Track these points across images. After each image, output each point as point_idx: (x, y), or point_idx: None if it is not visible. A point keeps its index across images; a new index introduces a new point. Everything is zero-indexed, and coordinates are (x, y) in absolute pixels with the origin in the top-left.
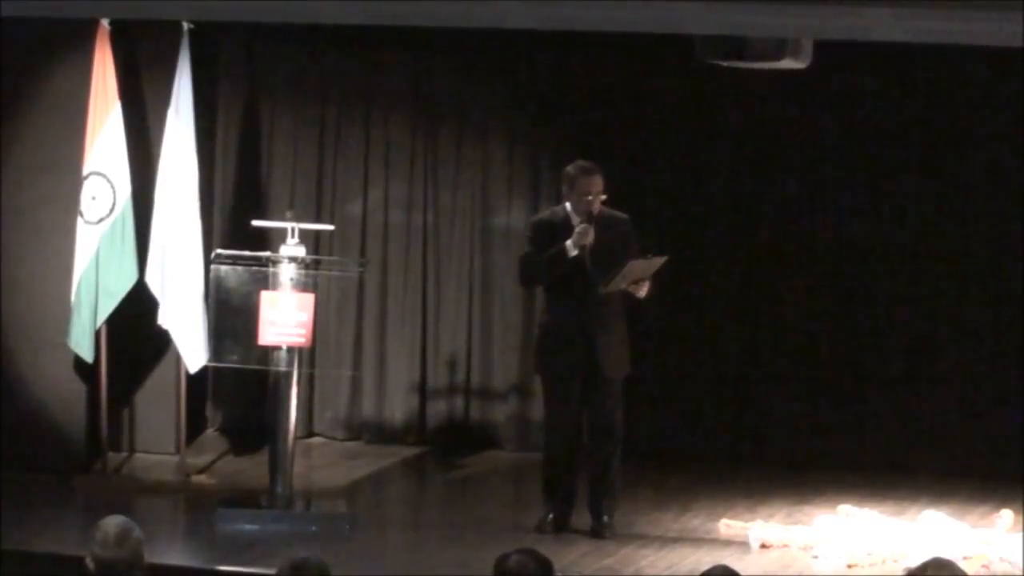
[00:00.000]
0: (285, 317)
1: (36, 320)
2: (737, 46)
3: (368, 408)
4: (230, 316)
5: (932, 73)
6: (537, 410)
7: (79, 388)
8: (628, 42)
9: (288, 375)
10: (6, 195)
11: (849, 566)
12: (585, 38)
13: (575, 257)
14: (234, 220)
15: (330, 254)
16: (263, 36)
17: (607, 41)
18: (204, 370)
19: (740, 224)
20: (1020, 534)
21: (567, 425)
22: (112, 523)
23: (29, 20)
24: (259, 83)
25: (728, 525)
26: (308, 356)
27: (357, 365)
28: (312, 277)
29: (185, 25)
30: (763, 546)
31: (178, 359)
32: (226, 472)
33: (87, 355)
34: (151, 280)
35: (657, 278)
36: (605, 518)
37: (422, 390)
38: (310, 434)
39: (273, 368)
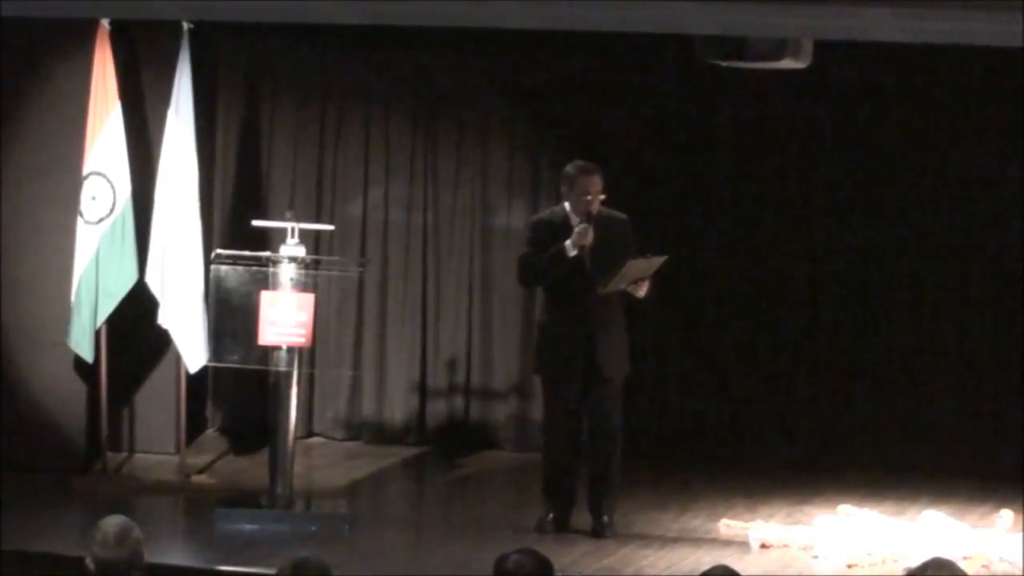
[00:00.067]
0: (285, 317)
1: (36, 320)
2: (737, 46)
3: (368, 408)
4: (230, 316)
5: (932, 73)
6: (537, 410)
7: (79, 388)
8: (628, 42)
9: (288, 375)
10: (6, 195)
11: (849, 566)
12: (585, 38)
13: (574, 257)
14: (234, 220)
15: (330, 254)
16: (263, 36)
17: (607, 41)
18: (204, 370)
19: (740, 224)
20: (1020, 534)
21: (567, 425)
22: (112, 523)
23: (29, 20)
24: (259, 83)
25: (728, 525)
26: (308, 356)
27: (357, 365)
28: (312, 277)
29: (185, 25)
30: (763, 546)
31: (178, 359)
32: (226, 472)
33: (87, 355)
34: (151, 280)
35: (657, 278)
36: (605, 518)
37: (422, 390)
38: (310, 434)
39: (273, 368)
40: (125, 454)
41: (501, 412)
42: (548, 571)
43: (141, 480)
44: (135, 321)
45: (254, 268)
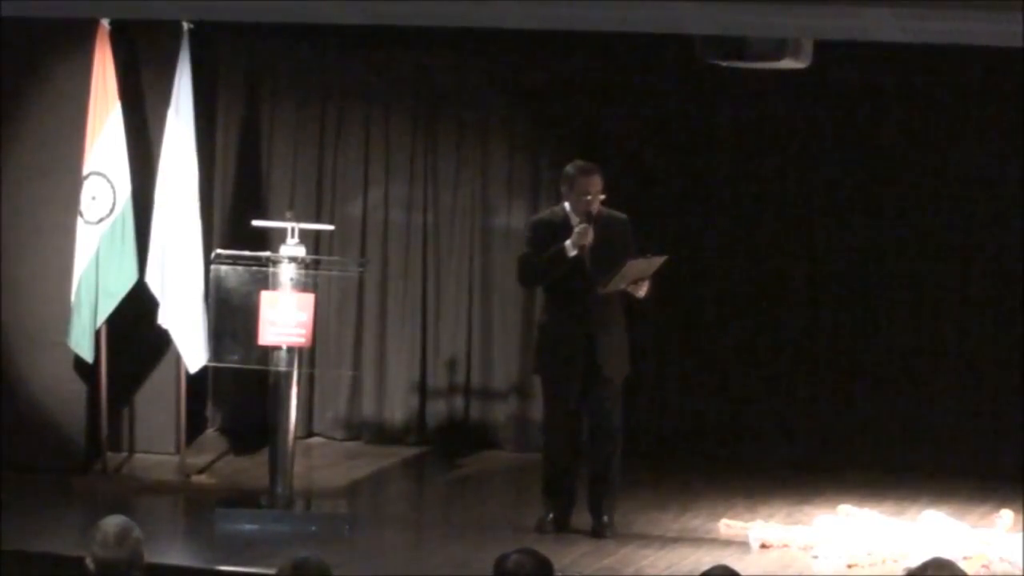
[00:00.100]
0: (285, 317)
1: (36, 320)
2: (737, 46)
3: (368, 408)
4: (230, 316)
5: (932, 73)
6: (537, 410)
7: (79, 388)
8: (628, 42)
9: (288, 375)
10: (6, 195)
11: (849, 566)
12: (585, 38)
13: (574, 257)
14: (234, 220)
15: (330, 254)
16: (263, 36)
17: (607, 41)
18: (204, 370)
19: (740, 224)
20: (1020, 534)
21: (567, 425)
22: (112, 523)
23: (29, 20)
24: (259, 83)
25: (728, 525)
26: (308, 356)
27: (357, 365)
28: (312, 277)
29: (185, 25)
30: (763, 546)
31: (178, 359)
32: (226, 472)
33: (87, 355)
34: (151, 280)
35: (657, 278)
36: (605, 518)
37: (422, 390)
38: (310, 434)
39: (273, 368)
40: (125, 454)
41: (501, 412)
42: (548, 571)
43: (141, 480)
44: (135, 321)
45: (254, 268)
